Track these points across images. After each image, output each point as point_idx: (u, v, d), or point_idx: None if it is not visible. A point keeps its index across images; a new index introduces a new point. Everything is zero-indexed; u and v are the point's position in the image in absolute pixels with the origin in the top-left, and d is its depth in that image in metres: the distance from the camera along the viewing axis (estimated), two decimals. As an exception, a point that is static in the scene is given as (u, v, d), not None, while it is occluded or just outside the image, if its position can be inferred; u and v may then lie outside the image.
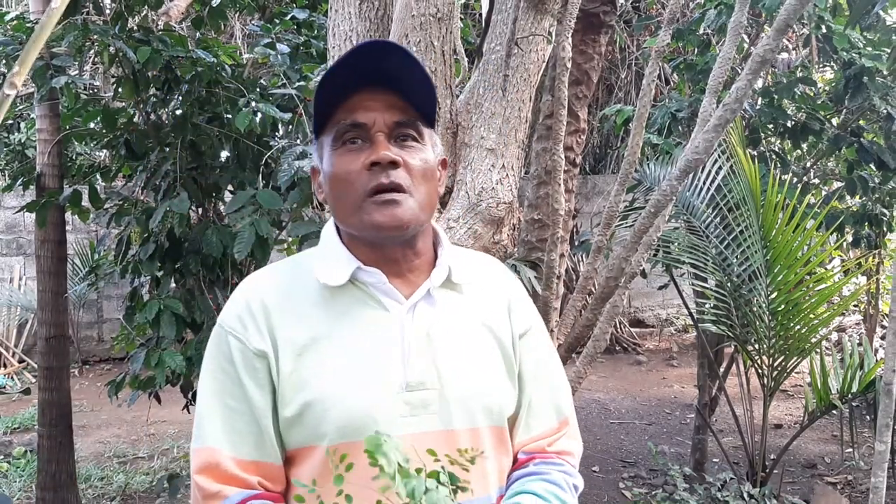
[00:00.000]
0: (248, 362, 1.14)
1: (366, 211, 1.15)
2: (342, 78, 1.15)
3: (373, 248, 1.20)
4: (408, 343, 1.17)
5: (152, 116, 3.81)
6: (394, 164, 1.14)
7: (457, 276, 1.23)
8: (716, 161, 4.16)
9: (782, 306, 3.90)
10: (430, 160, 1.20)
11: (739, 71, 4.22)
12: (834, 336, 8.44)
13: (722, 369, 4.95)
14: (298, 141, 3.40)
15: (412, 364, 1.16)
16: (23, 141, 6.04)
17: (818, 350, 4.08)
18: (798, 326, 3.92)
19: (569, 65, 2.27)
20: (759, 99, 5.00)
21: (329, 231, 1.25)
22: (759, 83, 5.30)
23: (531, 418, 1.27)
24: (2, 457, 5.44)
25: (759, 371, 4.06)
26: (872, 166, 5.03)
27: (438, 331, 1.19)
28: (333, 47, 2.23)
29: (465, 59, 2.71)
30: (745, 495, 3.94)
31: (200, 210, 3.82)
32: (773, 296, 3.91)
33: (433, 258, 1.25)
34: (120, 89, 3.80)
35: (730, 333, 4.17)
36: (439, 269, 1.22)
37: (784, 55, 5.76)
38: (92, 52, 3.80)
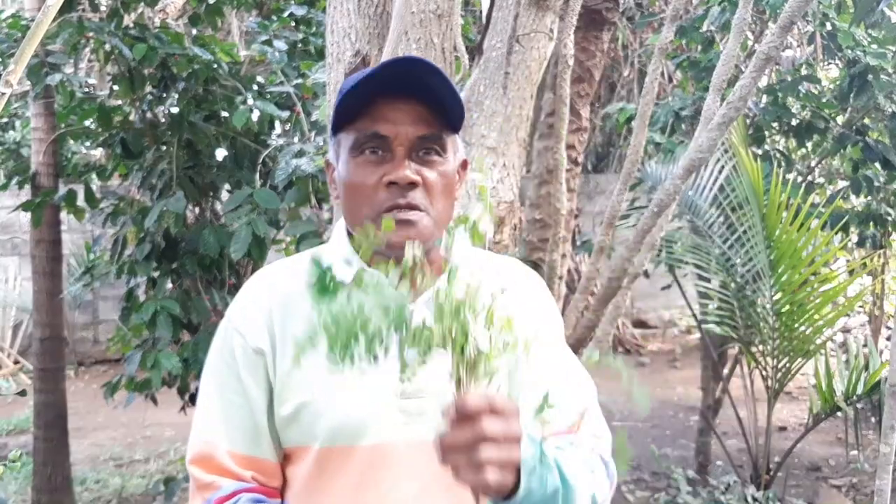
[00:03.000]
0: (248, 359, 1.15)
1: (380, 227, 1.11)
2: (367, 86, 1.11)
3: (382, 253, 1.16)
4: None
5: (148, 115, 3.78)
6: (412, 184, 1.11)
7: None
8: (718, 160, 4.12)
9: (786, 307, 3.86)
10: (450, 173, 1.17)
11: (743, 69, 4.18)
12: (839, 337, 8.38)
13: (726, 371, 4.90)
14: (296, 139, 3.36)
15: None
16: (18, 140, 6.03)
17: (823, 351, 4.04)
18: (802, 327, 3.89)
19: (571, 62, 2.23)
20: (764, 97, 4.96)
21: (340, 229, 1.24)
22: (763, 81, 5.25)
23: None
24: (-2, 459, 5.41)
25: (764, 373, 4.02)
26: (878, 165, 4.99)
27: None
28: (332, 44, 2.18)
29: (466, 57, 2.66)
30: (749, 498, 3.91)
31: (197, 209, 3.80)
32: (778, 296, 3.87)
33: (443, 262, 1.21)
34: (116, 87, 3.77)
35: (733, 335, 4.14)
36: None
37: (788, 53, 5.72)
38: (87, 49, 3.78)
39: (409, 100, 1.12)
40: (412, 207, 1.11)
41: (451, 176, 1.17)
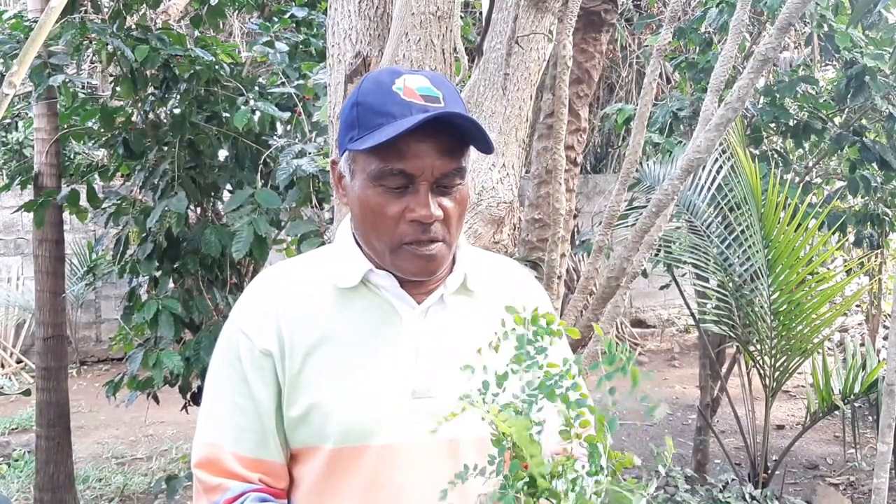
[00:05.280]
0: (255, 361, 1.14)
1: (401, 257, 1.13)
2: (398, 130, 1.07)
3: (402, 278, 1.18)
4: (417, 349, 1.15)
5: (150, 115, 3.80)
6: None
7: (472, 282, 1.21)
8: (716, 160, 4.14)
9: (784, 306, 3.88)
10: (466, 193, 1.16)
11: (741, 70, 4.20)
12: (836, 336, 8.40)
13: (724, 370, 4.92)
14: (297, 140, 3.38)
15: (420, 371, 1.14)
16: (20, 140, 6.07)
17: (820, 350, 4.06)
18: (800, 327, 3.90)
19: (570, 63, 2.26)
20: (761, 98, 4.98)
21: (344, 231, 1.23)
22: (761, 82, 5.27)
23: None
24: (0, 458, 5.42)
25: (761, 371, 4.04)
26: (875, 166, 5.01)
27: (449, 337, 1.17)
28: (333, 46, 2.20)
29: (466, 58, 2.69)
30: (747, 496, 3.92)
31: (199, 209, 3.82)
32: (775, 296, 3.89)
33: (451, 263, 1.22)
34: (118, 88, 3.79)
35: (731, 334, 4.15)
36: (455, 276, 1.19)
37: (786, 54, 5.73)
38: (90, 50, 3.79)
39: (433, 131, 1.09)
40: (433, 241, 1.12)
41: (467, 195, 1.17)
